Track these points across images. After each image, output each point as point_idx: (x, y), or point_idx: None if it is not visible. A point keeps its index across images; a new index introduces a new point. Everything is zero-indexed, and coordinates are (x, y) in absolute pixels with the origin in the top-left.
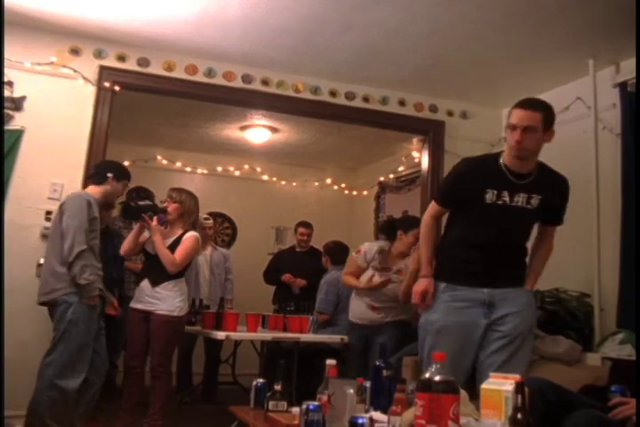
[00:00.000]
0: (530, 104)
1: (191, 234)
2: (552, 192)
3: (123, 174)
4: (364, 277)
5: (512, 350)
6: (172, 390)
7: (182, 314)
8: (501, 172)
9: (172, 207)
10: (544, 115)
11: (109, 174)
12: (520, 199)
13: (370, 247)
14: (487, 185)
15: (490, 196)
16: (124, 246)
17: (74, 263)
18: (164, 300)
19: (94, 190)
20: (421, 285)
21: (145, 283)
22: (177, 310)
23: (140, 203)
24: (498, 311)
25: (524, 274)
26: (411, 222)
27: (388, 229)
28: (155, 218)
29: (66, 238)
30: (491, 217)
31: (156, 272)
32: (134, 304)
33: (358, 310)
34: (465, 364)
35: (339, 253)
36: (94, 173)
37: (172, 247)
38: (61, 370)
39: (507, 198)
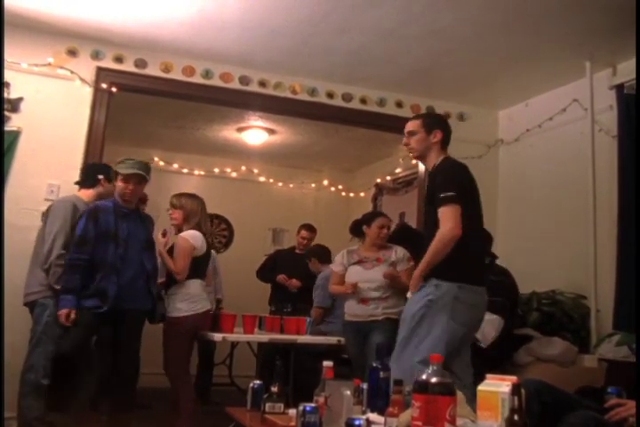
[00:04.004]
0: (414, 116)
1: (179, 236)
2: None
3: (112, 175)
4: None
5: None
6: (190, 397)
7: (180, 315)
8: None
9: (175, 214)
10: (423, 120)
11: (100, 176)
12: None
13: (338, 255)
14: None
15: None
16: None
17: (51, 268)
18: (168, 302)
19: (86, 194)
20: None
21: None
22: (174, 311)
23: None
24: None
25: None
26: (369, 216)
27: (355, 229)
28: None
29: (45, 242)
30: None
31: (168, 278)
32: None
33: (350, 306)
34: None
35: (323, 254)
36: (84, 178)
37: (172, 250)
38: (44, 373)
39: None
